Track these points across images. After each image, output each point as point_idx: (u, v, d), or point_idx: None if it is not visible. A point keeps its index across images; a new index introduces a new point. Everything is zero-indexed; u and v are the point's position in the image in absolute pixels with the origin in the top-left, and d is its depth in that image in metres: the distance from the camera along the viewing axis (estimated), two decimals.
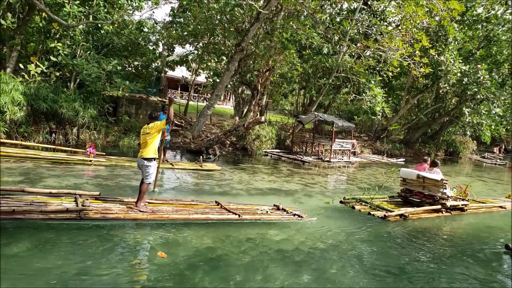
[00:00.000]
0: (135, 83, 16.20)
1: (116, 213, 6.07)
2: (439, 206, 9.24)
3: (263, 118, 14.63)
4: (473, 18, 23.81)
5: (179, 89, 35.64)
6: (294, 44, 18.09)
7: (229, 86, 22.54)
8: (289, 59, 18.09)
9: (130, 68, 19.26)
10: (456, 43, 21.39)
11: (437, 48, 20.05)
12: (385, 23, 20.18)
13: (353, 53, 19.86)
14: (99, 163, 10.83)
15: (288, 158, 17.50)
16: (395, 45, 16.80)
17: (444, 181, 9.25)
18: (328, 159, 18.05)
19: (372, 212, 8.51)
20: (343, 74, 19.92)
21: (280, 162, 16.54)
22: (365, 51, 18.67)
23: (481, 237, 8.01)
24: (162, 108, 11.73)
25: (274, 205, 7.89)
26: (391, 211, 8.54)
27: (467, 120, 25.23)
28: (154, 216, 6.18)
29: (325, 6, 18.66)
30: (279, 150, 18.75)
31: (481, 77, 21.47)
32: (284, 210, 7.69)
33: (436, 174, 9.71)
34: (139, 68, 19.48)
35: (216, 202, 7.55)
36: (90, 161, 10.70)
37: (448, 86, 22.13)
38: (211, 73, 22.55)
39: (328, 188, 12.09)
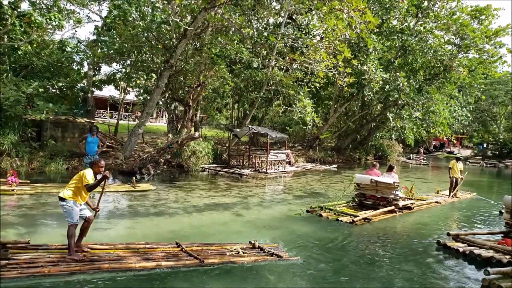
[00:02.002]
0: (60, 105, 15.28)
1: (42, 266, 4.93)
2: (393, 207, 10.16)
3: (197, 134, 14.46)
4: (390, 29, 25.78)
5: (108, 109, 34.20)
6: (223, 59, 18.25)
7: (160, 103, 22.10)
8: (220, 74, 18.19)
9: (54, 90, 18.10)
10: (376, 53, 22.95)
11: (359, 58, 21.35)
12: (310, 36, 21.12)
13: (281, 66, 20.47)
14: (22, 191, 10.01)
15: (225, 172, 17.43)
16: (320, 57, 17.61)
17: (396, 184, 10.25)
18: (265, 171, 18.27)
19: (339, 218, 9.18)
20: (273, 87, 20.44)
21: (217, 177, 16.42)
22: (293, 64, 19.35)
23: (422, 233, 8.73)
24: (89, 129, 11.18)
25: (250, 243, 6.61)
26: (356, 216, 9.24)
27: (392, 124, 27.06)
28: (88, 267, 5.06)
29: (252, 21, 19.09)
30: (216, 165, 18.63)
31: (401, 84, 23.22)
32: (260, 248, 6.46)
33: (392, 178, 10.67)
34: (64, 89, 18.37)
35: (176, 243, 6.26)
36: (12, 190, 9.83)
37: (372, 93, 23.59)
38: (141, 91, 21.95)
39: (265, 199, 12.20)
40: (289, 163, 21.65)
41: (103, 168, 5.68)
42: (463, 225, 9.94)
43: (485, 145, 49.29)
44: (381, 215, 9.85)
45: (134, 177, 12.38)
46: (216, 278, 5.31)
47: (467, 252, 7.01)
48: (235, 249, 6.23)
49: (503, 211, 10.26)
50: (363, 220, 9.21)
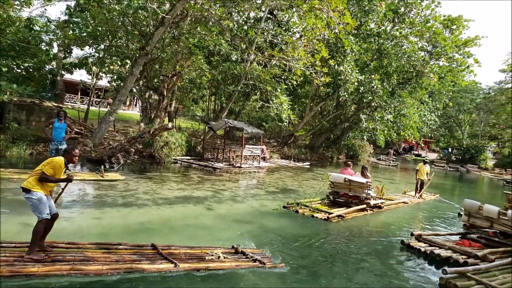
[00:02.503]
0: (25, 87, 14.49)
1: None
2: (364, 206, 10.51)
3: (170, 124, 14.16)
4: (367, 32, 26.16)
5: (79, 93, 33.02)
6: (201, 50, 17.94)
7: (134, 90, 21.50)
8: (197, 64, 17.87)
9: (19, 71, 17.20)
10: (353, 54, 23.25)
11: (336, 59, 21.57)
12: (290, 33, 21.11)
13: (260, 62, 20.37)
14: None
15: (199, 165, 17.20)
16: (298, 54, 17.64)
17: (369, 183, 10.63)
18: (239, 165, 18.17)
19: (315, 215, 9.41)
20: (251, 82, 20.32)
21: (190, 170, 16.17)
22: (271, 60, 19.29)
23: (389, 232, 9.00)
24: (57, 114, 10.69)
25: (232, 247, 6.17)
26: (330, 213, 9.50)
27: (364, 125, 27.56)
28: (48, 269, 4.45)
29: (232, 13, 18.86)
30: (189, 157, 18.35)
31: (375, 87, 23.65)
32: (243, 253, 5.98)
33: (365, 177, 11.07)
34: (30, 70, 17.49)
35: (152, 245, 5.71)
36: None
37: (347, 94, 23.92)
38: (114, 77, 21.24)
39: (238, 193, 12.10)
40: (264, 158, 21.64)
41: (77, 158, 5.20)
42: (426, 225, 10.25)
43: (450, 150, 51.23)
44: (353, 213, 10.14)
45: (102, 166, 11.96)
46: (190, 284, 4.84)
47: (428, 252, 7.25)
48: (215, 253, 5.72)
49: (461, 213, 10.75)
50: (337, 217, 9.43)
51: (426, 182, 14.29)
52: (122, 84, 17.60)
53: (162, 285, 4.68)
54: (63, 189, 5.58)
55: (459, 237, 8.51)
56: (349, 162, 12.36)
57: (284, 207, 10.05)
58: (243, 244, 6.69)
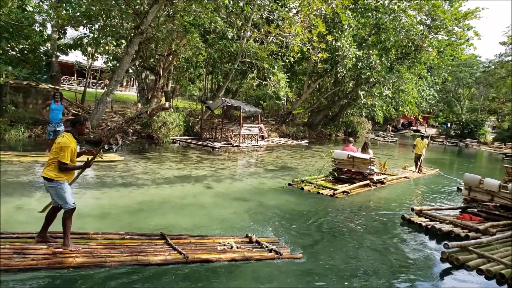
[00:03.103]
0: (21, 69, 14.38)
1: (33, 259, 4.18)
2: (368, 181, 10.70)
3: (167, 104, 14.05)
4: (365, 6, 25.72)
5: (75, 75, 32.72)
6: (197, 28, 17.66)
7: (130, 71, 21.30)
8: (193, 43, 17.64)
9: (13, 53, 16.99)
10: (351, 29, 22.92)
11: (334, 34, 21.28)
12: (286, 9, 20.75)
13: (256, 39, 20.11)
14: None
15: (197, 144, 17.24)
16: (295, 30, 17.40)
17: (372, 159, 10.80)
18: (238, 144, 18.21)
19: (320, 191, 9.55)
20: (248, 59, 20.11)
21: (189, 149, 16.21)
22: (268, 37, 19.04)
23: (391, 207, 9.13)
24: (53, 95, 10.65)
25: (247, 235, 5.73)
26: (336, 189, 9.61)
27: (362, 102, 27.44)
28: (49, 262, 4.22)
29: None
30: (187, 137, 18.37)
31: (373, 62, 23.43)
32: (258, 242, 5.53)
33: (368, 153, 11.24)
34: (25, 52, 17.26)
35: (161, 235, 5.37)
36: None
37: (345, 70, 23.71)
38: (110, 58, 21.00)
39: (237, 172, 12.19)
40: (262, 137, 21.67)
41: (87, 129, 4.87)
42: (426, 200, 10.33)
43: (448, 125, 51.25)
44: (357, 189, 10.32)
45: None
46: (199, 276, 4.50)
47: (429, 227, 7.28)
48: (228, 243, 5.33)
49: (461, 187, 10.87)
50: (342, 193, 9.62)
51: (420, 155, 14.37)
52: (118, 64, 17.42)
53: (171, 277, 4.40)
54: (78, 174, 5.10)
55: (460, 212, 8.56)
56: (351, 139, 12.45)
57: (289, 184, 10.21)
58: (249, 224, 6.77)
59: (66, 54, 20.40)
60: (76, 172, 4.89)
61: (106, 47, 20.15)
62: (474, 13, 28.15)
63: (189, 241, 5.35)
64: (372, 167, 10.86)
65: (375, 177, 10.97)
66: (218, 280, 4.49)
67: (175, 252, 4.81)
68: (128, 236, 5.22)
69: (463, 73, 44.92)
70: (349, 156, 10.77)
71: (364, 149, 11.57)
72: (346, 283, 4.75)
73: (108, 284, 4.10)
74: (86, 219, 5.99)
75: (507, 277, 5.06)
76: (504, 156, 28.13)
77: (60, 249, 4.45)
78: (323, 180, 10.91)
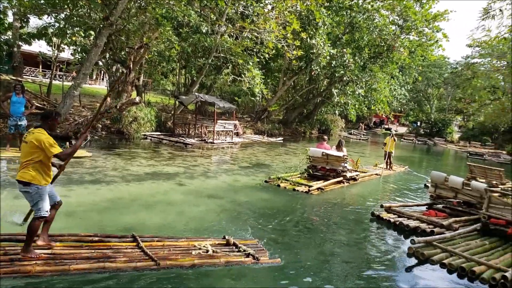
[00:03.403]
0: None
1: None
2: (341, 178, 10.90)
3: (137, 99, 13.63)
4: (339, 4, 25.83)
5: (40, 66, 31.31)
6: (170, 21, 17.16)
7: (100, 63, 20.54)
8: (165, 36, 17.12)
9: None
10: (325, 27, 22.97)
11: (309, 32, 21.25)
12: (261, 5, 20.53)
13: (231, 34, 19.80)
14: None
15: (169, 140, 16.78)
16: (270, 27, 17.23)
17: (345, 157, 11.02)
18: (212, 141, 17.89)
19: (296, 188, 9.67)
20: (222, 55, 19.78)
21: (161, 145, 15.77)
22: (242, 32, 18.78)
23: (362, 203, 9.27)
24: (14, 87, 10.02)
25: (224, 237, 5.46)
26: (311, 186, 9.77)
27: (336, 100, 27.64)
28: (5, 270, 3.83)
29: None
30: (159, 133, 17.88)
31: (347, 61, 23.59)
32: (235, 245, 5.26)
33: (341, 151, 11.46)
34: None
35: (132, 237, 5.03)
36: None
37: (319, 68, 23.76)
38: (78, 49, 20.13)
39: (211, 169, 11.92)
40: (237, 134, 21.42)
41: (57, 122, 4.43)
42: (396, 197, 10.50)
43: (418, 124, 52.64)
44: (331, 185, 10.46)
45: (68, 143, 11.41)
46: (171, 283, 4.20)
47: (397, 223, 7.46)
48: (204, 246, 5.04)
49: (428, 184, 11.22)
50: (317, 190, 9.69)
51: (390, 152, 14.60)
52: (86, 56, 16.71)
53: (141, 284, 4.09)
54: (60, 168, 4.71)
55: (426, 208, 8.81)
56: (325, 137, 12.55)
57: (265, 181, 10.21)
58: (224, 222, 6.59)
59: (30, 44, 19.44)
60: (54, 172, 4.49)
61: (73, 38, 19.30)
62: (443, 15, 28.87)
63: (163, 243, 5.03)
64: (346, 165, 11.02)
65: (348, 174, 11.20)
66: (191, 286, 4.22)
67: (147, 257, 4.50)
68: (96, 238, 4.84)
69: (432, 74, 46.14)
70: (324, 153, 10.92)
71: (339, 146, 11.77)
72: (319, 283, 4.65)
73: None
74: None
75: (467, 270, 5.30)
76: (468, 154, 29.14)
77: (19, 256, 4.04)
78: (298, 177, 11.00)
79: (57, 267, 3.99)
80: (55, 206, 4.48)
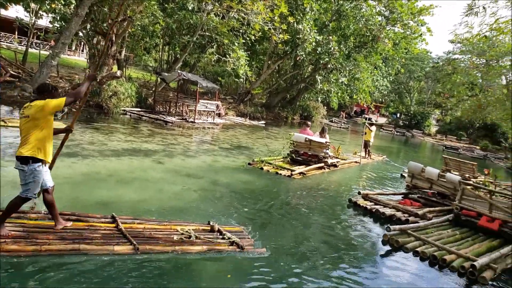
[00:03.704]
0: None
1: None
2: (323, 164, 11.06)
3: (118, 73, 13.29)
4: None
5: (16, 33, 30.03)
6: None
7: (81, 34, 19.85)
8: (150, 11, 16.65)
9: None
10: (312, 13, 22.81)
11: (296, 17, 21.05)
12: None
13: (218, 13, 19.42)
14: None
15: (149, 117, 16.52)
16: (257, 8, 16.98)
17: (328, 143, 11.18)
18: (193, 120, 17.70)
19: (279, 172, 9.77)
20: (207, 33, 19.42)
21: (140, 122, 15.51)
22: (229, 12, 18.44)
23: (341, 190, 9.41)
24: None
25: (209, 223, 5.20)
26: (293, 170, 9.92)
27: (319, 87, 27.68)
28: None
29: None
30: (140, 109, 17.54)
31: (332, 48, 23.55)
32: (219, 232, 5.01)
33: (324, 138, 11.55)
34: None
35: (112, 217, 4.75)
36: None
37: (304, 54, 23.66)
38: (57, 17, 19.32)
39: (190, 148, 11.83)
40: (219, 115, 21.25)
41: (55, 97, 3.95)
42: (373, 185, 10.70)
43: (398, 115, 53.48)
44: (313, 171, 10.62)
45: None
46: (150, 270, 3.93)
47: (373, 210, 7.60)
48: (187, 231, 4.77)
49: (404, 174, 11.48)
50: (299, 174, 9.85)
51: (368, 141, 14.82)
52: (65, 25, 16.09)
53: (119, 269, 3.83)
54: (62, 143, 4.64)
55: (402, 197, 9.02)
56: (308, 123, 12.67)
57: (249, 164, 10.27)
58: (202, 202, 6.56)
59: (5, 8, 18.47)
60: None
61: (53, 5, 18.49)
62: (429, 10, 29.10)
63: (144, 226, 4.76)
64: (327, 151, 11.18)
65: (329, 161, 11.38)
66: (171, 274, 3.99)
67: (125, 240, 4.23)
68: (73, 217, 4.54)
69: (414, 67, 46.74)
70: (307, 139, 11.04)
71: (322, 133, 11.88)
72: (295, 270, 4.68)
73: (41, 276, 3.50)
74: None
75: (439, 258, 5.46)
76: (444, 147, 29.93)
77: None
78: (281, 161, 11.11)
79: (26, 247, 3.72)
80: (47, 190, 4.08)
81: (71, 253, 3.86)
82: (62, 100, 3.82)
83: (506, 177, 17.88)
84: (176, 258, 4.28)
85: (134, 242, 4.19)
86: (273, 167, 10.15)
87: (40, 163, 3.85)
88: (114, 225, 4.59)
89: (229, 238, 4.85)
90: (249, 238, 5.12)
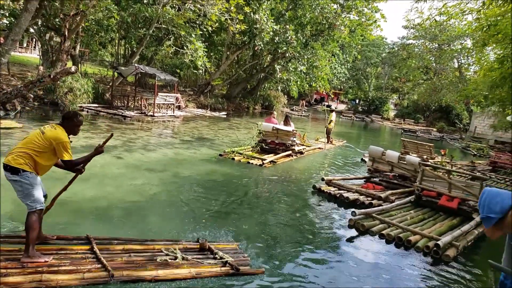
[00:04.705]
0: None
1: None
2: (290, 152, 11.55)
3: (73, 68, 13.08)
4: None
5: None
6: None
7: (32, 30, 19.21)
8: (104, 4, 16.38)
9: None
10: (268, 3, 23.11)
11: (252, 7, 21.30)
12: None
13: (173, 5, 19.33)
14: None
15: (107, 113, 16.37)
16: None
17: (294, 131, 11.65)
18: (152, 114, 17.68)
19: (251, 161, 10.19)
20: (164, 26, 19.32)
21: (98, 118, 15.37)
22: (185, 4, 18.42)
23: (307, 176, 9.95)
24: None
25: (198, 240, 4.64)
26: (264, 159, 10.32)
27: (279, 76, 28.15)
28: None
29: None
30: (97, 105, 17.31)
31: (289, 37, 23.99)
32: (210, 250, 4.44)
33: (290, 126, 12.09)
34: None
35: (86, 238, 4.24)
36: None
37: (262, 44, 23.97)
38: (6, 14, 18.60)
39: (151, 142, 11.92)
40: (179, 107, 21.26)
41: (79, 128, 3.92)
42: (336, 170, 11.32)
43: (357, 101, 55.07)
44: (282, 159, 11.08)
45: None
46: None
47: (338, 195, 7.80)
48: (172, 251, 4.23)
49: (365, 159, 12.04)
50: (269, 163, 10.28)
51: (330, 128, 15.44)
52: (15, 21, 15.57)
53: None
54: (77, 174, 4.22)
55: (364, 181, 9.34)
56: (274, 112, 13.23)
57: (220, 155, 10.60)
58: (168, 195, 6.74)
59: None
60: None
61: (1, 2, 17.78)
62: None
63: (123, 247, 4.21)
64: (294, 139, 11.65)
65: (296, 148, 11.88)
66: None
67: (99, 266, 3.69)
68: (51, 237, 4.17)
69: (371, 53, 48.19)
70: (274, 128, 11.43)
71: (286, 121, 12.33)
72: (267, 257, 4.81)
73: None
74: None
75: (404, 240, 5.69)
76: (402, 131, 31.31)
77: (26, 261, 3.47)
78: (250, 151, 11.48)
79: None
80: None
81: (31, 285, 3.27)
82: (69, 157, 3.70)
83: (461, 157, 18.88)
84: (158, 286, 3.71)
85: (109, 268, 3.63)
86: (244, 157, 10.52)
87: (29, 175, 3.57)
88: (88, 247, 4.05)
89: (221, 258, 4.28)
90: (244, 256, 4.55)
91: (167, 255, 4.17)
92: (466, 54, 32.37)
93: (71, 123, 3.81)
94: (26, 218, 3.55)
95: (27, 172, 3.51)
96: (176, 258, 4.12)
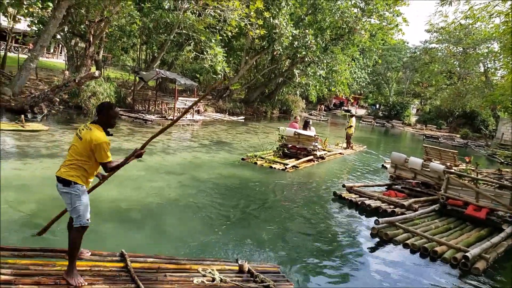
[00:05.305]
0: None
1: None
2: (312, 157, 11.62)
3: (97, 73, 13.51)
4: None
5: None
6: None
7: (59, 37, 19.89)
8: (127, 11, 16.86)
9: None
10: (288, 8, 23.21)
11: (272, 12, 21.44)
12: None
13: (194, 11, 19.70)
14: None
15: (129, 116, 16.79)
16: (233, 4, 17.33)
17: (316, 136, 11.72)
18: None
19: (273, 166, 10.28)
20: (184, 31, 19.69)
21: (120, 121, 15.75)
22: (205, 9, 18.74)
23: (328, 181, 9.95)
24: None
25: (237, 261, 4.30)
26: (287, 164, 10.39)
27: (297, 80, 28.18)
28: None
29: None
30: (119, 109, 17.70)
31: (309, 42, 24.02)
32: (250, 273, 4.09)
33: (311, 131, 12.16)
34: None
35: (121, 255, 3.88)
36: None
37: (281, 48, 24.09)
38: (35, 21, 19.35)
39: (170, 145, 12.17)
40: (198, 111, 21.57)
41: (115, 120, 3.68)
42: (357, 175, 11.30)
43: (377, 106, 54.43)
44: (304, 163, 11.16)
45: (23, 116, 11.28)
46: None
47: (359, 202, 7.69)
48: (209, 272, 3.92)
49: (386, 165, 11.89)
50: (292, 168, 10.36)
51: (350, 134, 15.41)
52: (43, 28, 16.19)
53: None
54: (103, 178, 4.02)
55: (386, 188, 9.17)
56: (297, 117, 13.32)
57: (242, 159, 10.73)
58: (193, 198, 6.88)
59: None
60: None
61: (30, 9, 18.50)
62: (403, 0, 29.78)
63: (158, 266, 3.88)
64: (316, 144, 11.73)
65: (318, 153, 11.95)
66: None
67: (133, 286, 3.39)
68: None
69: (392, 57, 47.62)
70: (295, 133, 11.51)
71: (306, 126, 12.33)
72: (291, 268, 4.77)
73: None
74: (3, 193, 5.64)
75: (429, 250, 5.49)
76: (424, 137, 30.71)
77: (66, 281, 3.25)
78: (272, 155, 11.58)
79: None
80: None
81: None
82: (109, 159, 3.44)
83: (487, 165, 18.24)
84: None
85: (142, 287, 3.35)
86: (266, 162, 10.62)
87: (81, 188, 3.44)
88: (122, 264, 3.74)
89: (262, 282, 3.93)
90: (288, 281, 4.20)
91: (204, 275, 3.86)
92: (492, 58, 31.44)
93: (106, 115, 3.55)
94: (72, 232, 3.43)
95: (78, 185, 3.39)
96: (213, 280, 3.81)
